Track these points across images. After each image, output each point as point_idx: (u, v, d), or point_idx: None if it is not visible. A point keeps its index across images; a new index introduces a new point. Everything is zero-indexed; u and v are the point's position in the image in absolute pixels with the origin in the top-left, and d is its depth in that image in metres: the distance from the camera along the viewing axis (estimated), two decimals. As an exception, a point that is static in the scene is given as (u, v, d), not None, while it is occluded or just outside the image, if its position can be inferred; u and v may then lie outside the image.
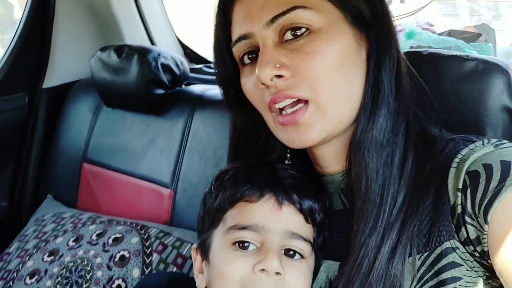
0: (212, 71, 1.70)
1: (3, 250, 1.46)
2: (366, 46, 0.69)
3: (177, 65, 1.41)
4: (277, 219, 0.68)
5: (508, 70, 0.79)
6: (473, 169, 0.61)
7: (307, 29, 0.65)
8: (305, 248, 0.69)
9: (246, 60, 0.73)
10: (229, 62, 0.77)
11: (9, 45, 1.57)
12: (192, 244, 1.13)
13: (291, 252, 0.69)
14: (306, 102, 0.66)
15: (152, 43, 1.85)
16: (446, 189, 0.63)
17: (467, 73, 0.79)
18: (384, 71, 0.67)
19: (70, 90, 1.68)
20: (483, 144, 0.64)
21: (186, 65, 1.46)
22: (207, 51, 2.03)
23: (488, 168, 0.59)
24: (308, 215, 0.70)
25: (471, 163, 0.61)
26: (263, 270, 0.65)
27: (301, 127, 0.67)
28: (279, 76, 0.65)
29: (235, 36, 0.71)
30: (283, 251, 0.68)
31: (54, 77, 1.67)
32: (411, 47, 1.06)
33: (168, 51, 1.43)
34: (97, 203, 1.47)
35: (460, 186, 0.61)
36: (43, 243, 1.27)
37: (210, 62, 1.90)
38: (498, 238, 0.55)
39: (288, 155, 0.80)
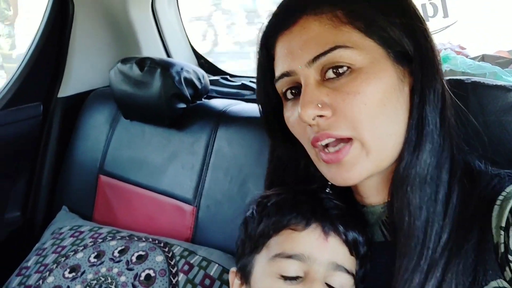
0: (229, 83, 1.71)
1: (18, 261, 1.45)
2: (410, 81, 0.68)
3: (199, 79, 1.40)
4: (323, 250, 0.68)
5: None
6: None
7: (349, 67, 0.65)
8: (347, 281, 0.69)
9: (289, 95, 0.73)
10: (272, 95, 0.78)
11: (26, 54, 1.55)
12: (219, 264, 1.13)
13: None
14: (349, 140, 0.66)
15: (167, 52, 1.84)
16: (490, 227, 0.63)
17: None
18: (429, 106, 0.67)
19: (86, 99, 1.66)
20: None
21: (207, 78, 1.45)
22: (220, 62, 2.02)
23: None
24: (352, 247, 0.70)
25: None
26: None
27: (344, 165, 0.66)
28: (321, 116, 0.65)
29: (278, 72, 0.72)
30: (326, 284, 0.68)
31: (69, 87, 1.65)
32: (445, 71, 1.06)
33: (190, 64, 1.41)
34: (115, 216, 1.45)
35: (503, 224, 0.61)
36: (63, 258, 1.25)
37: (224, 73, 1.90)
38: None
39: (329, 183, 0.79)
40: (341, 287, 0.68)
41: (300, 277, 0.67)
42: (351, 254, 0.70)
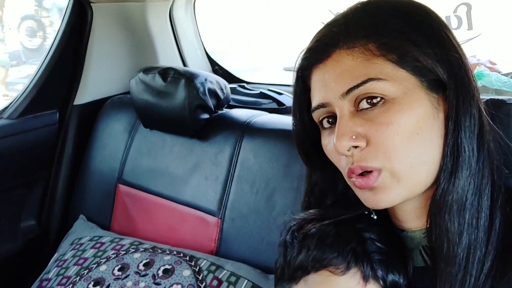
0: (247, 91, 1.70)
1: (34, 271, 1.43)
2: (444, 108, 0.68)
3: (222, 89, 1.39)
4: None
5: None
6: None
7: (382, 98, 0.65)
8: None
9: (326, 124, 0.74)
10: (308, 123, 0.79)
11: (43, 61, 1.53)
12: (248, 280, 1.12)
13: None
14: (379, 169, 0.66)
15: (183, 59, 1.83)
16: None
17: (555, 125, 0.78)
18: (464, 133, 0.66)
19: (102, 107, 1.65)
20: None
21: (228, 88, 1.44)
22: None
23: None
24: None
25: None
26: None
27: (377, 190, 0.67)
28: (356, 146, 0.66)
29: (314, 103, 0.73)
30: None
31: (86, 94, 1.64)
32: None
33: (212, 75, 1.40)
34: (135, 227, 1.44)
35: None
36: (86, 271, 1.24)
37: (239, 80, 1.89)
38: None
39: (372, 210, 0.79)
40: None
41: None
42: None
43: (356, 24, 0.68)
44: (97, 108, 1.65)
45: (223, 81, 1.42)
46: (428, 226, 0.69)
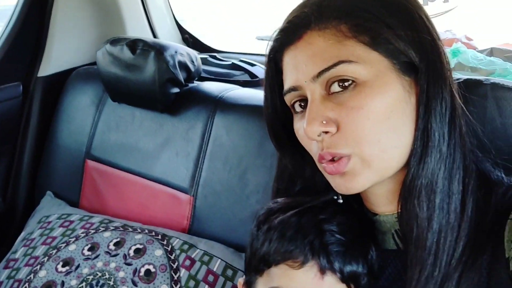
0: (218, 62, 1.66)
1: (1, 250, 1.39)
2: (416, 91, 0.67)
3: (192, 62, 1.34)
4: None
5: None
6: None
7: (353, 81, 0.64)
8: None
9: (298, 108, 0.73)
10: (279, 107, 0.78)
11: (3, 32, 1.45)
12: (221, 260, 1.11)
13: None
14: (349, 155, 0.66)
15: (152, 27, 1.76)
16: (502, 241, 0.63)
17: (531, 107, 0.78)
18: (435, 118, 0.65)
19: (67, 79, 1.58)
20: None
21: (199, 60, 1.39)
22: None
23: None
24: (351, 282, 0.70)
25: None
26: None
27: (347, 175, 0.67)
28: (326, 132, 0.65)
29: (285, 86, 0.71)
30: None
31: (50, 65, 1.57)
32: (454, 64, 1.04)
33: (183, 46, 1.35)
34: (105, 203, 1.41)
35: None
36: (54, 251, 1.21)
37: (210, 51, 1.84)
38: None
39: (340, 195, 0.79)
40: None
41: None
42: None
43: (328, 4, 0.66)
44: (62, 80, 1.58)
45: (193, 53, 1.36)
46: (399, 210, 0.69)
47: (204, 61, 1.65)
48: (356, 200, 0.81)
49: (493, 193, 0.68)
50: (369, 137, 0.64)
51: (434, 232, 0.65)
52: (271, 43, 0.74)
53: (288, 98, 0.72)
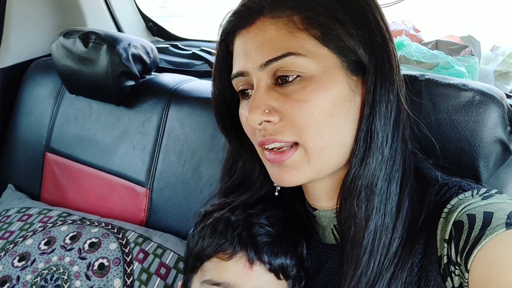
0: (179, 51, 1.65)
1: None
2: (362, 91, 0.68)
3: (147, 53, 1.34)
4: (248, 278, 0.71)
5: (503, 102, 0.80)
6: (458, 220, 0.62)
7: (299, 75, 0.64)
8: None
9: (244, 94, 0.73)
10: (227, 90, 0.77)
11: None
12: (174, 252, 1.13)
13: None
14: (295, 144, 0.66)
15: (113, 15, 1.74)
16: (435, 240, 0.65)
17: (463, 104, 0.79)
18: (379, 120, 0.66)
19: (26, 71, 1.56)
20: (472, 195, 0.65)
21: (156, 51, 1.38)
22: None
23: (472, 218, 0.61)
24: (280, 272, 0.72)
25: (457, 214, 0.63)
26: None
27: (285, 167, 0.67)
28: (268, 121, 0.66)
29: (234, 70, 0.71)
30: None
31: (8, 57, 1.55)
32: (399, 56, 1.05)
33: (137, 38, 1.34)
34: (65, 196, 1.41)
35: (447, 237, 0.63)
36: (11, 245, 1.21)
37: (174, 39, 1.83)
38: (476, 285, 0.57)
39: (278, 188, 0.80)
40: None
41: None
42: (279, 278, 0.72)
43: None
44: (21, 71, 1.57)
45: (149, 44, 1.36)
46: (337, 207, 0.71)
47: (165, 51, 1.65)
48: (299, 195, 0.82)
49: (428, 192, 0.69)
50: (312, 132, 0.64)
51: (370, 232, 0.66)
52: (223, 24, 0.73)
53: (236, 83, 0.72)
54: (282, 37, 0.64)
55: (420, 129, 0.81)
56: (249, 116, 0.65)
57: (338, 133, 0.66)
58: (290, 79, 0.64)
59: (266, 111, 0.65)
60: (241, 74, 0.69)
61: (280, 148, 0.67)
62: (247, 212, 0.75)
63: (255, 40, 0.66)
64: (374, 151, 0.66)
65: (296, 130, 0.65)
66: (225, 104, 0.79)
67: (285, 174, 0.68)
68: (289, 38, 0.64)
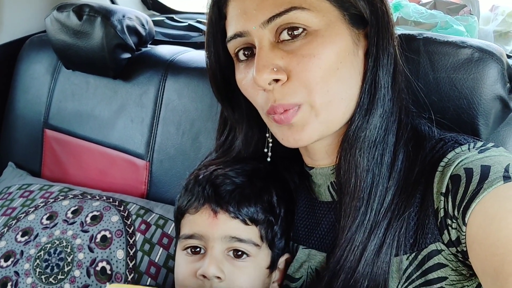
0: (175, 24, 1.63)
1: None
2: (364, 44, 0.68)
3: (143, 25, 1.32)
4: (214, 227, 0.74)
5: (502, 58, 0.79)
6: (455, 173, 0.63)
7: (304, 29, 0.64)
8: (249, 247, 0.75)
9: (242, 57, 0.71)
10: (222, 56, 0.76)
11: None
12: (176, 222, 1.13)
13: (240, 253, 0.75)
14: (299, 104, 0.66)
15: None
16: (431, 192, 0.65)
17: (462, 62, 0.79)
18: (382, 71, 0.67)
19: (22, 48, 1.54)
20: (468, 148, 0.66)
21: (151, 23, 1.37)
22: None
23: (469, 172, 0.61)
24: (246, 218, 0.75)
25: (454, 167, 0.63)
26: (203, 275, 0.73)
27: (295, 126, 0.67)
28: (276, 80, 0.64)
29: (230, 32, 0.69)
30: (231, 253, 0.75)
31: (2, 34, 1.53)
32: (396, 18, 1.04)
33: (131, 10, 1.32)
34: (65, 171, 1.41)
35: (444, 190, 0.63)
36: (14, 221, 1.22)
37: (170, 12, 1.80)
38: (474, 238, 0.58)
39: (269, 154, 0.81)
40: (247, 252, 0.75)
41: (202, 252, 0.76)
42: (246, 224, 0.75)
43: None
44: (16, 48, 1.55)
45: (144, 16, 1.34)
46: (337, 162, 0.71)
47: (160, 23, 1.63)
48: (293, 156, 0.82)
49: (423, 146, 0.70)
50: (320, 86, 0.64)
51: (368, 183, 0.67)
52: None
53: (232, 46, 0.70)
54: None
55: (418, 89, 0.80)
56: (257, 76, 0.63)
57: (344, 86, 0.66)
58: (296, 33, 0.63)
59: (275, 69, 0.63)
60: (239, 35, 0.67)
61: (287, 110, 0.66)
62: (217, 168, 0.79)
63: None
64: (378, 103, 0.67)
65: (304, 88, 0.64)
66: (221, 71, 0.79)
67: (297, 134, 0.67)
68: None
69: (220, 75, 0.79)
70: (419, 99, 0.78)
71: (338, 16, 0.65)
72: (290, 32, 0.64)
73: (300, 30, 0.63)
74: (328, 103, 0.65)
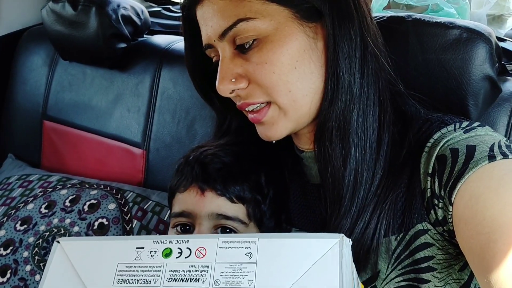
0: (172, 14, 1.63)
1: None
2: (323, 35, 0.68)
3: (138, 15, 1.33)
4: (201, 204, 0.75)
5: (491, 38, 0.79)
6: (441, 154, 0.63)
7: (255, 39, 0.66)
8: (236, 224, 0.76)
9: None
10: (200, 57, 0.79)
11: None
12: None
13: (228, 230, 0.75)
14: (268, 103, 0.69)
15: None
16: (418, 173, 0.66)
17: (451, 42, 0.79)
18: (343, 60, 0.66)
19: (19, 40, 1.56)
20: (454, 128, 0.66)
21: (146, 13, 1.37)
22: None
23: (455, 152, 0.62)
24: (232, 196, 0.76)
25: (440, 147, 0.64)
26: None
27: (265, 124, 0.71)
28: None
29: (203, 42, 0.72)
30: (219, 230, 0.75)
31: (0, 27, 1.54)
32: (388, 2, 1.04)
33: (127, 0, 1.33)
34: (64, 162, 1.42)
35: (430, 171, 0.64)
36: (13, 211, 1.23)
37: (167, 3, 1.81)
38: (461, 218, 0.58)
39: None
40: (235, 229, 0.76)
41: (191, 229, 0.77)
42: (233, 202, 0.76)
43: None
44: (14, 41, 1.56)
45: (139, 6, 1.35)
46: (314, 150, 0.73)
47: (157, 14, 1.63)
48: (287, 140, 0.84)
49: (409, 128, 0.70)
50: (279, 89, 0.66)
51: (351, 169, 0.68)
52: (182, 1, 0.76)
53: (208, 53, 0.73)
54: (230, 5, 0.65)
55: (407, 71, 0.80)
56: (219, 87, 0.68)
57: (306, 82, 0.67)
58: (247, 46, 0.66)
59: (233, 80, 0.67)
60: (208, 46, 0.71)
61: (257, 108, 0.70)
62: (208, 148, 0.80)
63: (208, 12, 0.68)
64: (342, 91, 0.67)
65: (264, 90, 0.67)
66: (200, 71, 0.82)
67: (268, 131, 0.71)
68: (236, 5, 0.65)
69: (200, 74, 0.83)
70: (407, 79, 0.78)
71: (287, 15, 0.65)
72: (243, 43, 0.66)
73: (251, 41, 0.65)
74: (293, 102, 0.67)
